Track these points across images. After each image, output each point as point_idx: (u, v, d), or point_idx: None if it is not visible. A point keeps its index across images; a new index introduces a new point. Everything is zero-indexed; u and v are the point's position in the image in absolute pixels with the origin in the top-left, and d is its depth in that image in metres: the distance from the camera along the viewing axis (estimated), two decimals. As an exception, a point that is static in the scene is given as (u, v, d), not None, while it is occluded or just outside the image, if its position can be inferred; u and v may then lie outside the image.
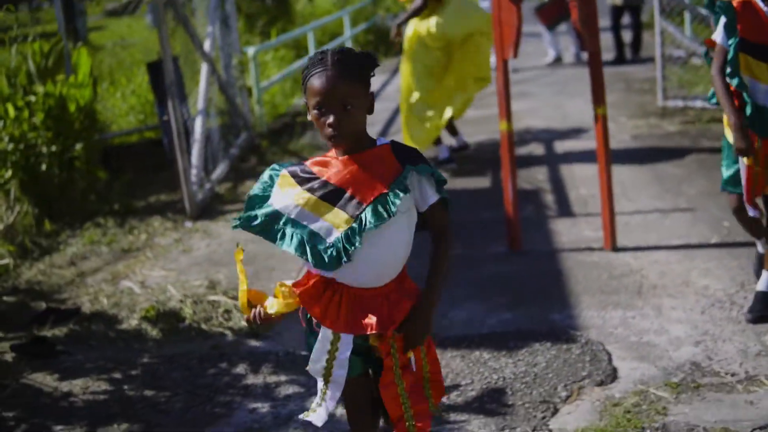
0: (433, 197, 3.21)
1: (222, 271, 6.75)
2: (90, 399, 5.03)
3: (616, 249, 6.45)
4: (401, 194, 3.09)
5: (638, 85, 12.47)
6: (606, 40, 14.72)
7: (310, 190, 3.18)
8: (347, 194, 3.14)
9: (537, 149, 9.78)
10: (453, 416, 4.47)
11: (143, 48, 15.51)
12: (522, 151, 9.55)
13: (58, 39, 9.23)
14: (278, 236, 3.19)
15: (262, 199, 3.25)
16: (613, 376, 4.74)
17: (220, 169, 9.38)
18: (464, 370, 4.95)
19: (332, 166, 3.19)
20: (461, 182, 8.68)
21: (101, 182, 8.95)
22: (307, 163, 3.26)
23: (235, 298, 6.16)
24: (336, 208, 3.14)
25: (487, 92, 10.39)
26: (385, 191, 3.10)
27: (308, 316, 3.30)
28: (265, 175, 3.29)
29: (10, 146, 8.15)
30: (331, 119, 3.09)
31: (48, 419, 4.84)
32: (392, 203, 3.08)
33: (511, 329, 5.39)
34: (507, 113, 6.57)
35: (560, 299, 5.80)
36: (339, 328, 3.23)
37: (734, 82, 4.82)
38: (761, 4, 4.84)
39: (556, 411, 4.45)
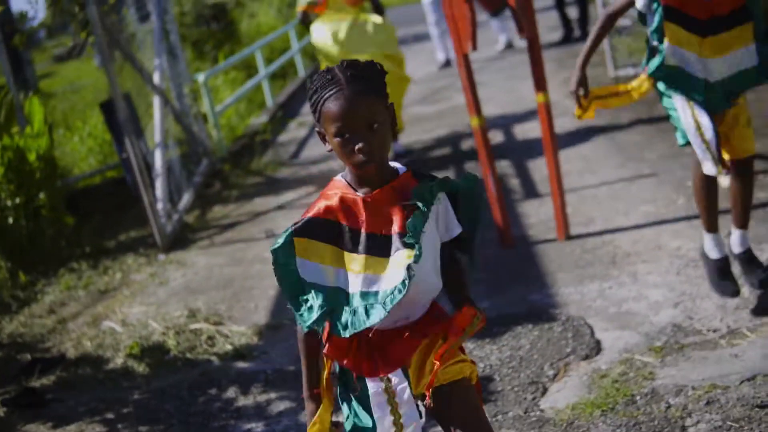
0: (457, 228, 2.89)
1: (200, 298, 6.76)
2: (84, 442, 5.04)
3: (569, 237, 6.38)
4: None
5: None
6: (552, 19, 14.84)
7: (354, 249, 2.80)
8: (386, 237, 2.79)
9: (496, 136, 9.81)
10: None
11: (94, 89, 15.52)
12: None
13: (6, 91, 9.21)
14: (351, 324, 2.77)
15: (297, 282, 2.82)
16: (597, 348, 4.79)
17: (185, 199, 9.37)
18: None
19: (362, 209, 2.80)
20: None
21: (69, 227, 8.92)
22: (318, 210, 2.81)
23: (218, 323, 6.19)
24: (385, 258, 2.78)
25: (438, 87, 10.44)
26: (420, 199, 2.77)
27: (339, 374, 2.95)
28: (279, 256, 2.80)
29: (-26, 203, 8.16)
30: (360, 145, 2.71)
31: (46, 468, 4.86)
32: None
33: (492, 315, 5.41)
34: (476, 108, 6.46)
35: (537, 280, 5.85)
36: (382, 370, 2.83)
37: (650, 62, 4.66)
38: None
39: (545, 390, 4.50)
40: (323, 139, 2.84)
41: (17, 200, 8.36)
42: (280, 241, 2.78)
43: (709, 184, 4.79)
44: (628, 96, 4.86)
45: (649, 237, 6.07)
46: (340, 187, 2.85)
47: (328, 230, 2.81)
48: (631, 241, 6.08)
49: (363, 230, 2.80)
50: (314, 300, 2.78)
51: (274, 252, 2.80)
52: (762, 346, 4.42)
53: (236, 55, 14.89)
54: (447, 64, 15.40)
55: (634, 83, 4.82)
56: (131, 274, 7.79)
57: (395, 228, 2.78)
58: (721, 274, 4.90)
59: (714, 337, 4.61)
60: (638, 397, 4.21)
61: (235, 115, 13.49)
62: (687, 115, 4.59)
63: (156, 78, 9.60)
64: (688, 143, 4.65)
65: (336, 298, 2.79)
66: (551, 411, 4.30)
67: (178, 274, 7.53)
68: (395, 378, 2.81)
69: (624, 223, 6.42)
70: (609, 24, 4.82)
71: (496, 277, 6.03)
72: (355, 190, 2.82)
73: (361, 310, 2.75)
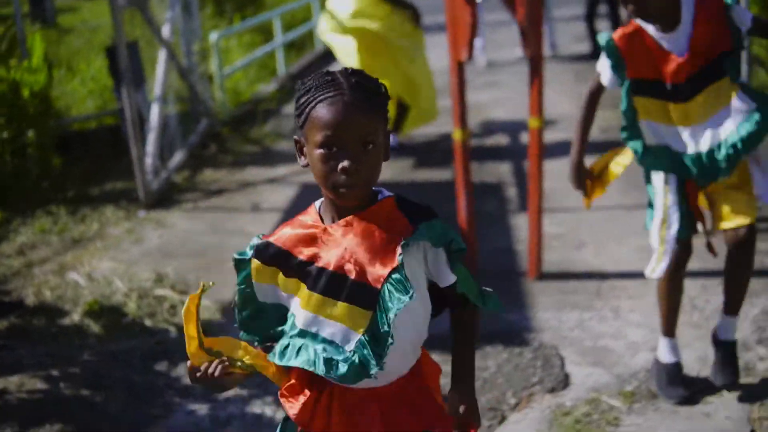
0: (451, 276, 2.47)
1: (172, 263, 6.55)
2: (24, 397, 4.83)
3: (541, 277, 5.93)
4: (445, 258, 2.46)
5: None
6: (581, 28, 14.55)
7: (306, 284, 2.42)
8: (352, 279, 2.36)
9: (502, 140, 9.61)
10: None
11: (109, 31, 15.27)
12: (487, 142, 9.41)
13: (11, 23, 9.00)
14: (281, 352, 2.47)
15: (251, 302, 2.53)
16: (565, 382, 4.58)
17: (177, 158, 9.15)
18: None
19: (323, 240, 2.41)
20: (423, 174, 8.52)
21: (56, 169, 8.73)
22: (280, 237, 2.46)
23: (183, 292, 5.99)
24: (344, 303, 2.38)
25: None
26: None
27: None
28: (239, 277, 2.50)
29: (-40, 132, 7.97)
30: (346, 163, 2.28)
31: (-21, 418, 4.66)
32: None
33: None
34: (461, 120, 5.94)
35: (517, 299, 5.63)
36: None
37: (630, 144, 4.27)
38: (652, 31, 4.08)
39: (503, 419, 4.30)
40: (300, 150, 2.43)
41: (5, 134, 8.17)
42: (239, 255, 2.50)
43: (672, 284, 4.36)
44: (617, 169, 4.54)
45: (639, 272, 5.86)
46: (308, 214, 2.49)
47: (284, 258, 2.44)
48: (620, 273, 5.86)
49: (317, 264, 2.40)
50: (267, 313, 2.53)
51: (236, 266, 2.51)
52: (736, 408, 4.21)
53: (253, 18, 14.66)
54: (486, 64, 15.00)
55: (622, 158, 4.51)
56: (108, 227, 7.58)
57: (359, 270, 2.36)
58: (670, 379, 4.43)
59: (695, 395, 4.40)
60: (599, 445, 4.01)
61: (244, 80, 13.24)
62: (659, 204, 4.26)
63: (165, 31, 9.35)
64: None
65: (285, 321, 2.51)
66: (505, 442, 4.10)
67: (155, 234, 7.32)
68: None
69: (616, 253, 6.21)
70: (592, 104, 4.39)
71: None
72: (323, 220, 2.45)
73: (312, 351, 2.41)
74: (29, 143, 8.38)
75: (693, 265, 5.38)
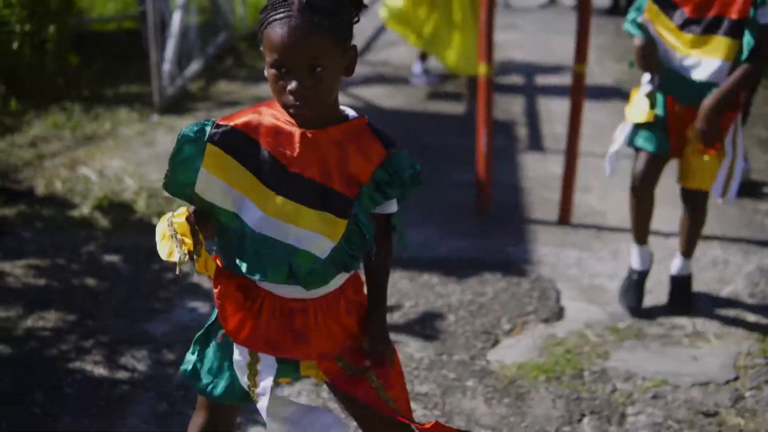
0: (394, 206, 2.52)
1: (181, 168, 6.64)
2: (30, 282, 4.93)
3: (568, 223, 5.98)
4: (391, 185, 2.45)
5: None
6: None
7: (274, 187, 2.36)
8: (329, 187, 2.38)
9: (517, 80, 9.65)
10: (392, 336, 4.41)
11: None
12: (502, 81, 9.45)
13: None
14: (241, 260, 2.41)
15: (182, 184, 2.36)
16: (558, 314, 4.68)
17: (193, 67, 9.21)
18: (410, 291, 4.87)
19: (300, 144, 2.36)
20: (435, 105, 8.58)
21: (72, 67, 8.78)
22: (246, 124, 2.37)
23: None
24: (318, 210, 2.38)
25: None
26: (371, 177, 2.41)
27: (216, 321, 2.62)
28: (186, 151, 2.31)
29: (-18, 20, 8.01)
30: (293, 85, 2.26)
31: (-15, 296, 4.76)
32: (389, 186, 2.44)
33: (464, 257, 5.31)
34: (488, 54, 5.89)
35: (518, 233, 5.73)
36: (257, 346, 2.51)
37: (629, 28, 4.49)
38: None
39: (496, 342, 4.40)
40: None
41: (26, 27, 8.19)
42: (193, 131, 2.31)
43: (642, 195, 4.64)
44: None
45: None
46: (279, 110, 2.38)
47: (248, 151, 2.36)
48: (622, 218, 5.92)
49: (290, 168, 2.36)
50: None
51: (181, 140, 2.32)
52: (723, 354, 4.31)
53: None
54: (553, 1, 15.08)
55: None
56: (120, 127, 7.65)
57: (333, 178, 2.38)
58: (629, 284, 4.80)
59: (678, 334, 4.51)
60: (586, 373, 4.11)
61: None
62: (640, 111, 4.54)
63: (193, -60, 9.38)
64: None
65: (231, 222, 2.40)
66: (497, 364, 4.20)
67: (167, 138, 7.39)
68: (265, 361, 2.52)
69: (619, 198, 6.27)
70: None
71: (478, 220, 5.91)
72: (293, 124, 2.38)
73: (265, 257, 2.38)
74: (49, 38, 8.42)
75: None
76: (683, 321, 4.63)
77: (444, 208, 6.06)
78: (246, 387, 2.53)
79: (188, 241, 2.30)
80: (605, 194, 6.35)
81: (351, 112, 2.45)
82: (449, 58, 8.75)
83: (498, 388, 4.00)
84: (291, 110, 2.31)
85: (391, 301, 4.68)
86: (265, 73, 2.33)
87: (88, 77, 8.83)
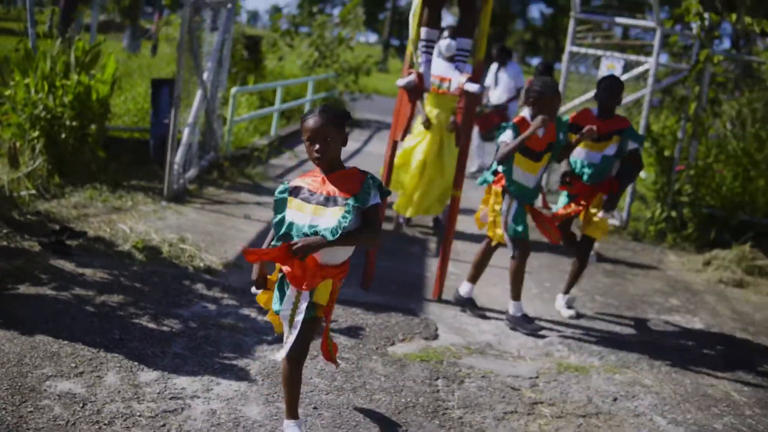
0: (376, 199, 4.78)
1: (188, 233, 9.30)
2: (97, 279, 7.52)
3: (440, 300, 8.53)
4: (371, 191, 4.75)
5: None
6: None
7: (310, 201, 4.77)
8: (335, 196, 4.74)
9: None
10: (336, 333, 7.09)
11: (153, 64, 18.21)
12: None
13: (99, 41, 11.79)
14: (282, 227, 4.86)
15: (282, 207, 4.90)
16: (434, 336, 7.43)
17: (191, 172, 11.92)
18: (342, 315, 7.58)
19: (323, 182, 4.80)
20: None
21: (101, 160, 11.44)
22: (301, 181, 4.88)
23: (198, 249, 8.75)
24: (331, 208, 4.72)
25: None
26: (359, 191, 4.72)
27: (281, 274, 4.97)
28: (279, 195, 4.90)
29: (43, 113, 10.63)
30: (317, 146, 4.70)
31: (70, 283, 7.34)
32: (367, 193, 4.73)
33: (380, 302, 8.07)
34: (387, 182, 8.50)
35: (419, 296, 8.50)
36: (299, 286, 4.84)
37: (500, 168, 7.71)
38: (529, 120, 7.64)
39: (393, 343, 7.11)
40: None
41: (74, 123, 10.83)
42: (282, 195, 4.91)
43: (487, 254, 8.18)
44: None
45: (496, 296, 8.71)
46: (315, 169, 4.91)
47: (298, 190, 4.85)
48: (488, 301, 8.71)
49: (317, 192, 4.79)
50: (282, 221, 4.92)
51: (277, 197, 4.93)
52: (532, 366, 7.06)
53: (263, 84, 17.62)
54: (480, 171, 16.81)
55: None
56: (139, 205, 10.33)
57: (338, 194, 4.73)
58: (527, 320, 7.91)
59: (506, 355, 7.24)
60: (445, 362, 6.82)
61: (245, 130, 16.14)
62: (504, 207, 7.79)
63: (205, 76, 12.20)
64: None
65: (292, 225, 4.85)
66: (391, 352, 6.92)
67: (174, 217, 10.08)
68: (304, 297, 4.90)
69: (489, 290, 9.07)
70: (514, 149, 7.62)
71: (393, 285, 8.68)
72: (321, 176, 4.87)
73: (308, 231, 4.73)
74: (89, 134, 11.08)
75: (532, 290, 8.25)
76: (512, 350, 7.38)
77: (378, 281, 8.80)
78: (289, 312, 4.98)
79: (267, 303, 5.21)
80: (479, 288, 9.12)
81: (348, 166, 4.90)
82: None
83: (390, 362, 6.70)
84: (315, 161, 4.79)
85: (348, 321, 7.50)
86: (303, 146, 5.08)
87: (112, 168, 11.51)
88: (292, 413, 5.12)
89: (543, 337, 7.80)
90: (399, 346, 7.11)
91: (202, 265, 8.36)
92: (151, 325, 6.66)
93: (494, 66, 16.79)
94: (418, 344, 7.20)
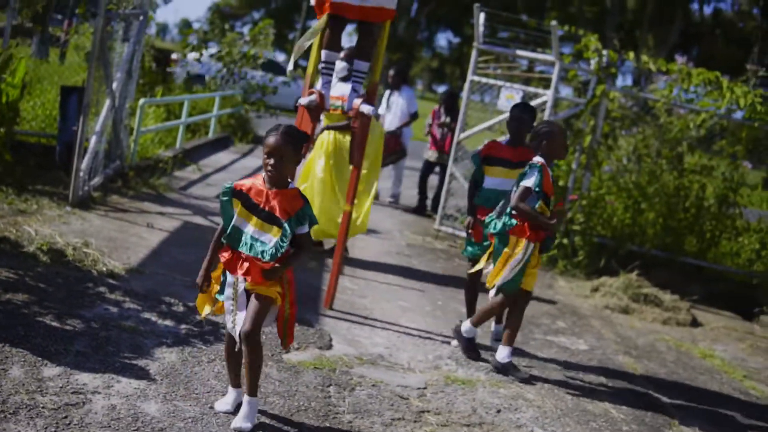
0: (304, 229, 5.52)
1: (92, 239, 9.47)
2: (2, 278, 7.65)
3: (331, 308, 8.97)
4: (305, 220, 5.46)
5: (427, 222, 16.00)
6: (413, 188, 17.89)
7: (254, 213, 5.49)
8: (276, 215, 5.43)
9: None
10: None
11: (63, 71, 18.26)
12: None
13: (11, 45, 11.94)
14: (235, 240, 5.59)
15: (229, 209, 5.60)
16: (329, 346, 7.76)
17: (96, 180, 12.07)
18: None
19: (267, 197, 5.45)
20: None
21: (8, 163, 11.52)
22: (247, 188, 5.52)
23: (102, 253, 8.95)
24: (273, 225, 5.46)
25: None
26: (294, 214, 5.43)
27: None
28: (223, 198, 5.58)
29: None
30: (272, 161, 5.36)
31: (-24, 281, 7.53)
32: (301, 219, 5.44)
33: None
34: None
35: (315, 307, 8.82)
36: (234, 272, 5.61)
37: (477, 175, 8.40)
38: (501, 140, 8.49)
39: (288, 351, 7.41)
40: None
41: (-18, 128, 11.01)
42: (226, 198, 5.59)
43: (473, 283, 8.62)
44: None
45: (392, 314, 9.06)
46: (260, 179, 5.52)
47: (245, 198, 5.52)
48: (381, 310, 9.06)
49: (261, 206, 5.48)
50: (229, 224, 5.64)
51: (222, 200, 5.61)
52: (421, 378, 7.42)
53: (170, 96, 17.79)
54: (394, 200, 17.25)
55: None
56: (44, 209, 10.48)
57: (279, 213, 5.43)
58: (472, 346, 8.34)
59: (396, 366, 7.60)
60: (335, 371, 7.14)
61: (151, 142, 16.30)
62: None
63: (114, 86, 12.38)
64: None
65: (237, 229, 5.59)
66: (286, 359, 7.23)
67: (79, 222, 10.26)
68: (241, 283, 5.62)
69: (385, 306, 9.42)
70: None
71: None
72: (267, 186, 5.51)
73: (252, 244, 5.51)
74: (-2, 138, 11.24)
75: (426, 308, 8.58)
76: (402, 362, 7.74)
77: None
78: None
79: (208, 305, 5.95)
80: (375, 302, 9.48)
81: (292, 184, 5.54)
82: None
83: (285, 368, 7.00)
84: (268, 175, 5.43)
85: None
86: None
87: (19, 172, 11.63)
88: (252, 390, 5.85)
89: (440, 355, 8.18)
90: (294, 353, 7.41)
91: (105, 269, 8.56)
92: (55, 324, 6.86)
93: (387, 91, 16.85)
94: (312, 353, 7.51)
